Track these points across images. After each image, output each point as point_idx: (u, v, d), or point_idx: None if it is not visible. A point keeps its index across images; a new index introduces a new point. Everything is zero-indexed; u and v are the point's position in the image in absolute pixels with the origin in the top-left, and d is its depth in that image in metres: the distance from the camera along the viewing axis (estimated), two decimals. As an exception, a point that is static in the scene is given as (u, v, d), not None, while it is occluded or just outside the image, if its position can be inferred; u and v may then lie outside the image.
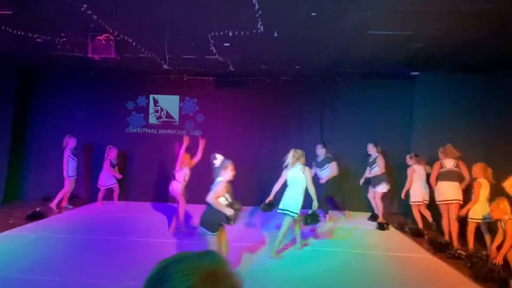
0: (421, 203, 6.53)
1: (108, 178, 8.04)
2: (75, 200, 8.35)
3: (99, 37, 5.52)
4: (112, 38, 5.52)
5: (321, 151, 7.28)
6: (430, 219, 6.54)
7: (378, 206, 7.12)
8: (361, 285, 4.24)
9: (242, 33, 5.16)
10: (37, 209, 6.70)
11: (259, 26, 4.87)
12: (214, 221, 3.76)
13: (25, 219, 6.41)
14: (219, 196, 3.78)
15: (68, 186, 7.54)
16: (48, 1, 4.48)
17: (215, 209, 3.73)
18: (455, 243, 5.66)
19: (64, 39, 5.91)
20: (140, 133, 8.90)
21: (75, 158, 7.64)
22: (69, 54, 6.80)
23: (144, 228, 6.28)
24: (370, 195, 7.35)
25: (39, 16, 5.00)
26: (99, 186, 8.07)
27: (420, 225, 6.54)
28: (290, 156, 5.11)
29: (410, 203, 6.62)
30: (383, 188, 7.01)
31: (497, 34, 5.08)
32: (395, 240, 6.13)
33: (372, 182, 7.21)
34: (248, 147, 8.57)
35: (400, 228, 6.68)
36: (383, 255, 5.28)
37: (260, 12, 4.38)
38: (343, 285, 4.18)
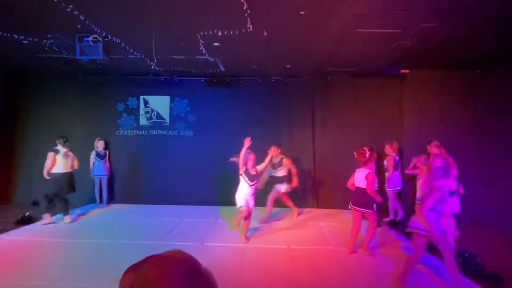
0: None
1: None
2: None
3: (87, 38, 5.45)
4: (100, 39, 5.46)
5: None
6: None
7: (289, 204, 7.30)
8: (354, 283, 4.25)
9: (231, 32, 5.15)
10: (27, 214, 6.61)
11: (248, 25, 4.87)
12: None
13: (15, 224, 6.33)
14: None
15: (97, 184, 8.33)
16: (33, 2, 4.41)
17: None
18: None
19: (51, 40, 5.84)
20: (131, 135, 8.82)
21: (99, 159, 8.29)
22: (57, 56, 6.72)
23: (135, 230, 6.22)
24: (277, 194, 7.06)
25: (24, 17, 4.92)
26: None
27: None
28: None
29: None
30: (284, 187, 6.97)
31: (483, 32, 5.15)
32: (381, 235, 6.13)
33: (278, 181, 7.04)
34: (239, 147, 8.54)
35: (393, 224, 6.73)
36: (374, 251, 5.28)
37: (249, 11, 4.37)
38: (336, 284, 4.19)
